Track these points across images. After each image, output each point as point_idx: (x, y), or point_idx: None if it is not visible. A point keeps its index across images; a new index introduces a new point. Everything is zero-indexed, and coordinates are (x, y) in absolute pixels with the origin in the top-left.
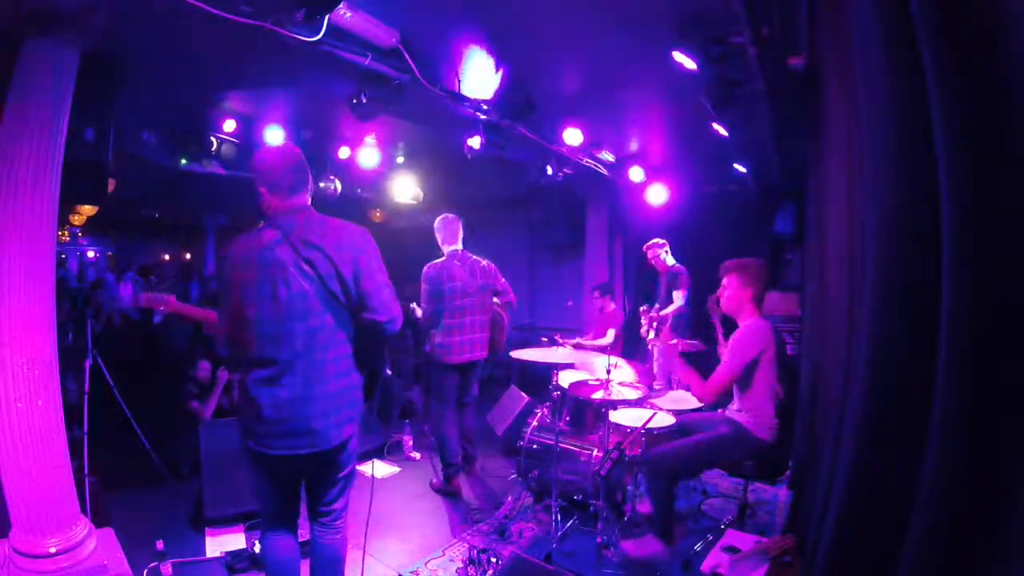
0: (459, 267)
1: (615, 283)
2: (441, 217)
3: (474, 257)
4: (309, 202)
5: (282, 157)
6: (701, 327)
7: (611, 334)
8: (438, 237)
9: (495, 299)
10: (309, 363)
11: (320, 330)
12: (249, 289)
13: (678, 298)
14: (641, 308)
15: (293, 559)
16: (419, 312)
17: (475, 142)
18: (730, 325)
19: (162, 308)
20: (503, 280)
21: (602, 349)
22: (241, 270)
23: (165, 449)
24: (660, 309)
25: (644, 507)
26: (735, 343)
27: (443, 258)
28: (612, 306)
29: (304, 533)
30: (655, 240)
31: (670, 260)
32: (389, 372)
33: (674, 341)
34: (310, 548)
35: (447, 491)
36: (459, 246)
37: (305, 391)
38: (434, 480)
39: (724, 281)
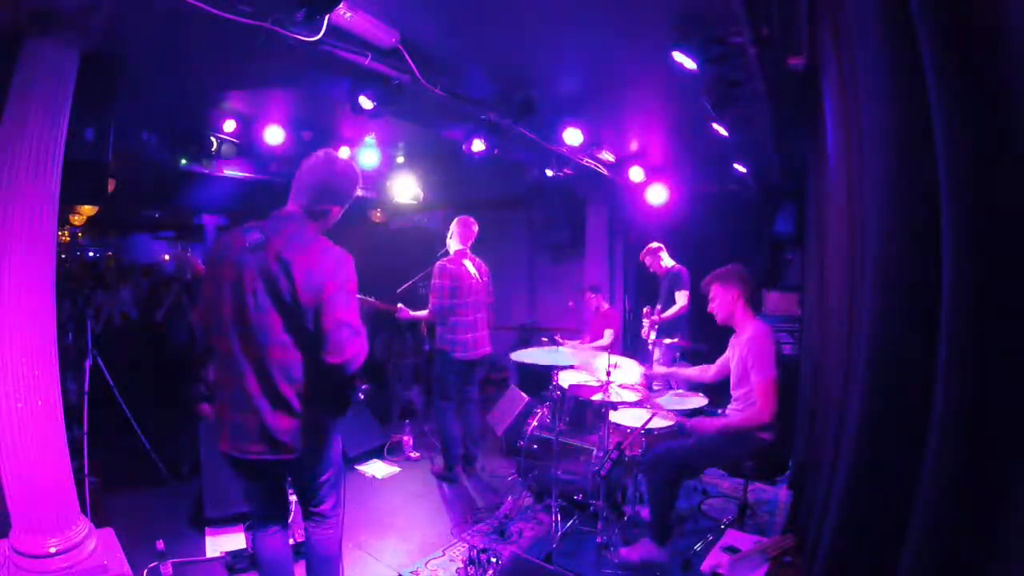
0: (470, 265)
1: (615, 283)
2: (460, 218)
3: (478, 258)
4: (315, 223)
5: (317, 166)
6: (702, 326)
7: (608, 335)
8: (453, 235)
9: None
10: (270, 376)
11: (279, 346)
12: (223, 287)
13: (681, 298)
14: (644, 309)
15: (284, 558)
16: (413, 313)
17: (478, 146)
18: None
19: (190, 270)
20: (491, 282)
21: (601, 350)
22: (218, 266)
23: (165, 449)
24: (661, 311)
25: (645, 511)
26: (754, 354)
27: (454, 255)
28: (606, 306)
29: (301, 534)
30: (651, 245)
31: (669, 262)
32: (362, 397)
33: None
34: (305, 547)
35: (447, 477)
36: (468, 248)
37: (267, 403)
38: (434, 467)
39: (710, 294)
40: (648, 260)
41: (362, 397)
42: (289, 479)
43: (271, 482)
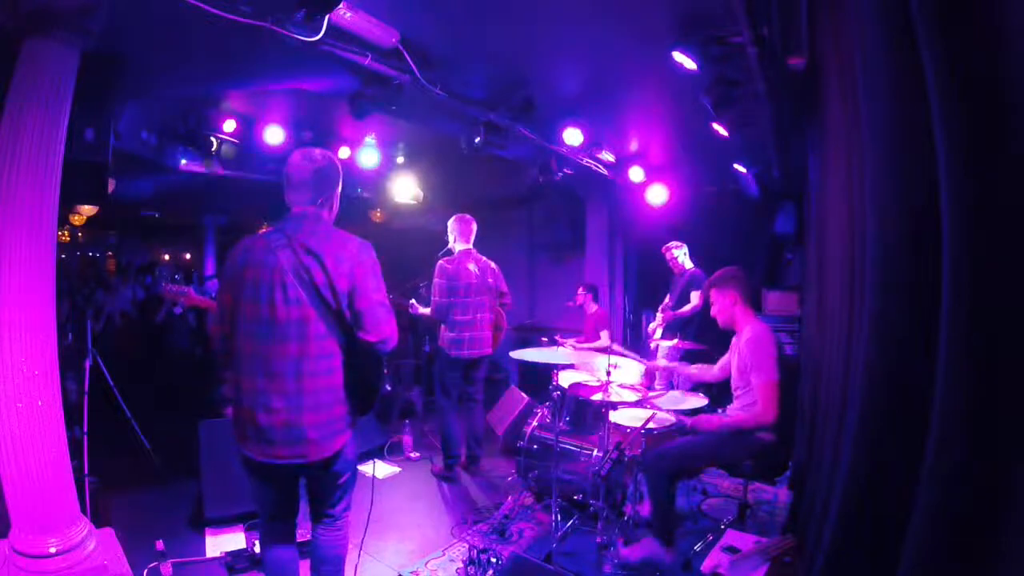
0: (472, 265)
1: (615, 283)
2: (457, 216)
3: (484, 258)
4: (326, 215)
5: (303, 168)
6: (710, 327)
7: (605, 336)
8: (452, 234)
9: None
10: (302, 371)
11: (314, 338)
12: (248, 290)
13: (695, 298)
14: (665, 300)
15: (292, 559)
16: (421, 309)
17: (478, 147)
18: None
19: (182, 300)
20: (505, 283)
21: (601, 350)
22: (242, 270)
23: (165, 449)
24: (673, 309)
25: (644, 508)
26: (754, 354)
27: (456, 254)
28: (595, 307)
29: (304, 533)
30: (672, 242)
31: (688, 263)
32: (389, 388)
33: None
34: (310, 547)
35: (447, 476)
36: (471, 245)
37: (298, 400)
38: (434, 467)
39: (710, 301)
40: (668, 255)
41: (389, 388)
42: (304, 481)
43: (288, 485)
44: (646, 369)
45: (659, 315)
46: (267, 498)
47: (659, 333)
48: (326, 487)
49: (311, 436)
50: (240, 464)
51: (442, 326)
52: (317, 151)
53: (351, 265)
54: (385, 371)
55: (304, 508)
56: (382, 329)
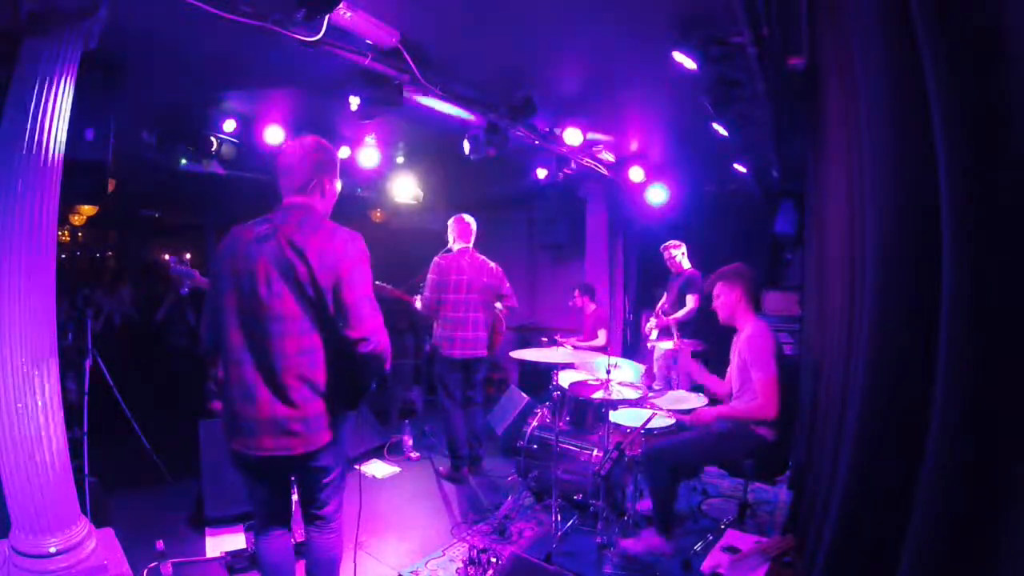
0: (468, 263)
1: (615, 283)
2: (456, 217)
3: (483, 257)
4: (319, 204)
5: (292, 151)
6: (703, 327)
7: (603, 335)
8: (451, 234)
9: (498, 303)
10: (287, 366)
11: (297, 334)
12: (232, 281)
13: (691, 301)
14: (659, 304)
15: (287, 559)
16: (418, 305)
17: (477, 152)
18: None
19: (188, 282)
20: (508, 284)
21: (599, 350)
22: (229, 260)
23: (165, 449)
24: (669, 310)
25: (644, 507)
26: (753, 351)
27: (454, 252)
28: (593, 307)
29: (301, 534)
30: (671, 241)
31: (686, 263)
32: (375, 387)
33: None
34: (306, 549)
35: (454, 478)
36: (470, 245)
37: (282, 393)
38: (441, 468)
39: (714, 292)
40: (666, 255)
41: (374, 387)
42: (294, 480)
43: (277, 482)
44: (646, 368)
45: (654, 318)
46: (259, 495)
47: (655, 335)
48: (313, 484)
49: (295, 429)
50: (231, 461)
51: (435, 324)
52: (310, 138)
53: (336, 260)
54: (376, 369)
55: (299, 509)
56: (365, 325)
